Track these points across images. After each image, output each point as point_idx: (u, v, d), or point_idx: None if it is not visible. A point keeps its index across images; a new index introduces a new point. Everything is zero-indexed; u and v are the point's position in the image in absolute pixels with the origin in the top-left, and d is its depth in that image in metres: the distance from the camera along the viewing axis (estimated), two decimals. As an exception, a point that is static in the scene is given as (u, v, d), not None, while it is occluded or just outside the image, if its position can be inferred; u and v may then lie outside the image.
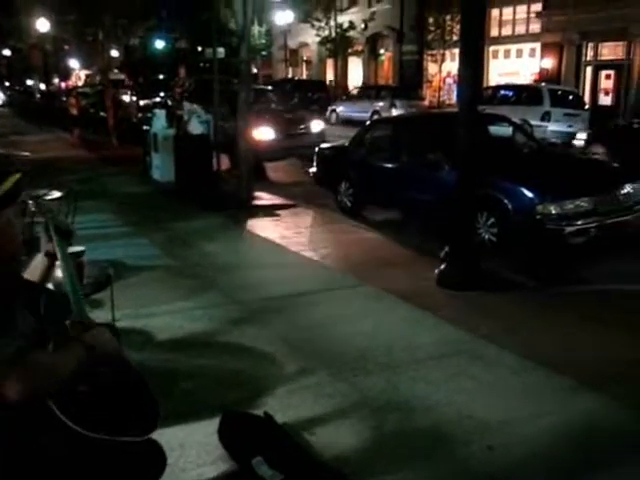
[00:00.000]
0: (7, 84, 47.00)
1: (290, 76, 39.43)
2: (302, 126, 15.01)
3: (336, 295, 6.06)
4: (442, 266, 6.30)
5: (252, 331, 5.14)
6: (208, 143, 11.37)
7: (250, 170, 10.55)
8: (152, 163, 12.58)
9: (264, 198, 10.60)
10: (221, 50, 12.35)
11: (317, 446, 3.54)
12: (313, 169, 11.00)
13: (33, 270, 2.47)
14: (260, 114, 12.84)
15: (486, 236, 7.57)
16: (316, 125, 15.37)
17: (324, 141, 14.51)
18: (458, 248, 6.25)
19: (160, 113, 12.72)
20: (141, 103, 22.34)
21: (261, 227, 8.87)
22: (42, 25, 29.12)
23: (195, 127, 11.51)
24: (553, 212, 7.15)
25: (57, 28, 27.94)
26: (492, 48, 28.60)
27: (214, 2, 11.33)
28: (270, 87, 21.62)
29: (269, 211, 9.73)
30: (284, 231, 8.58)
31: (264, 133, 13.55)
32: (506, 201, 7.35)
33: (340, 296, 6.04)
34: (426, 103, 26.87)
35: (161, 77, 31.83)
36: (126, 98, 23.92)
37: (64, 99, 28.79)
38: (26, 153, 11.06)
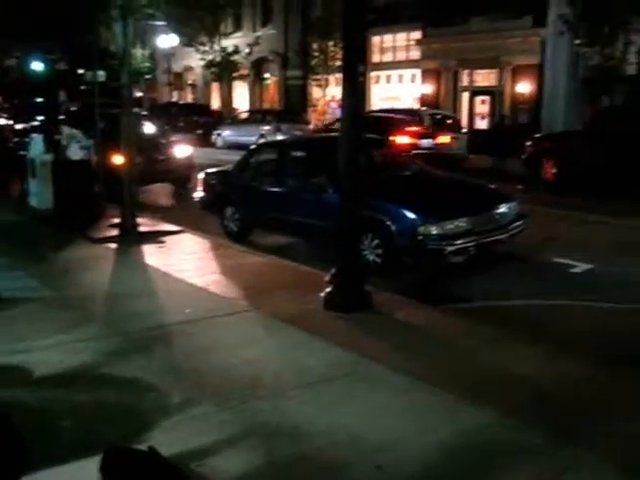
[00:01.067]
0: None
1: (175, 100, 39.01)
2: (167, 152, 14.81)
3: (223, 322, 5.99)
4: (328, 289, 6.36)
5: (136, 362, 4.98)
6: (88, 169, 11.02)
7: (133, 196, 10.28)
8: (29, 190, 12.04)
9: (148, 224, 10.36)
10: (101, 73, 12.00)
11: (207, 477, 3.46)
12: (199, 194, 10.87)
13: None
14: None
15: (371, 257, 7.73)
16: (182, 151, 15.20)
17: (192, 166, 14.51)
18: (344, 270, 6.33)
19: (38, 138, 12.20)
20: (18, 127, 21.35)
21: (145, 254, 8.66)
22: None
23: (75, 152, 11.12)
24: (434, 233, 7.41)
25: None
26: (374, 73, 29.42)
27: (94, 24, 11.03)
28: (144, 111, 21.29)
29: (154, 238, 9.51)
30: (169, 258, 8.42)
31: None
32: (389, 223, 7.54)
33: (227, 323, 5.97)
34: (311, 127, 27.22)
35: (39, 100, 30.63)
36: (1, 121, 22.82)
37: None
38: None
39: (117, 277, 7.61)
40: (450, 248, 7.42)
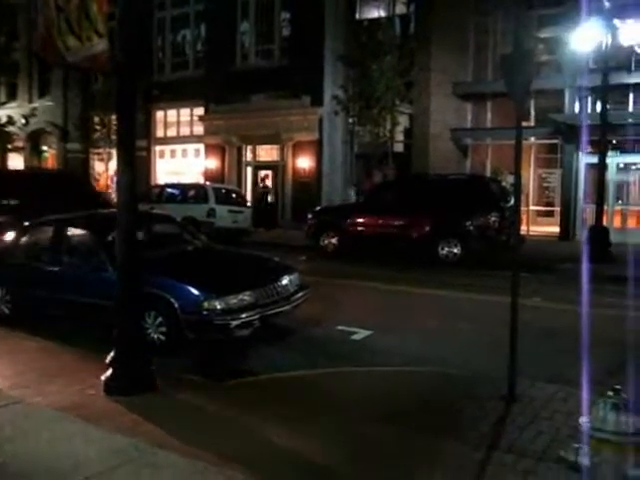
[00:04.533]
0: None
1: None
2: None
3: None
4: (109, 372, 6.05)
5: None
6: None
7: None
8: None
9: None
10: None
11: None
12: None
13: None
14: None
15: (155, 336, 7.52)
16: None
17: None
18: (124, 351, 6.08)
19: None
20: None
21: None
22: None
23: None
24: (218, 307, 7.39)
25: None
26: (158, 148, 29.37)
27: None
28: None
29: None
30: None
31: None
32: (172, 299, 7.42)
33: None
34: (95, 201, 26.29)
35: None
36: None
37: None
38: None
39: None
40: (235, 322, 7.44)
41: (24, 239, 9.52)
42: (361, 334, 8.66)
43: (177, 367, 6.86)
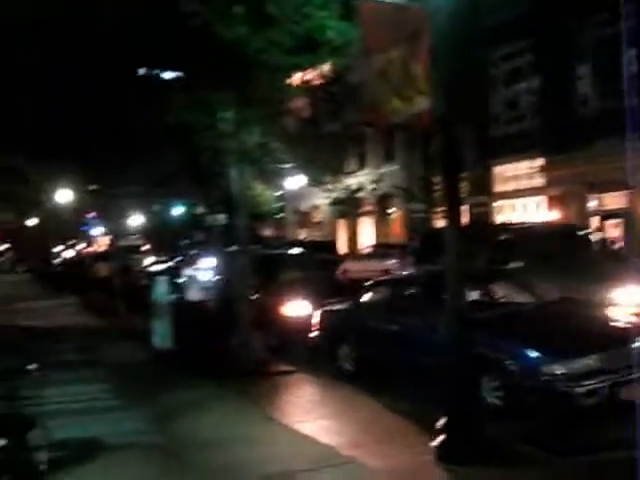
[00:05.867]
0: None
1: (302, 237, 40.09)
2: None
3: (321, 477, 5.50)
4: (440, 438, 5.79)
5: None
6: (207, 309, 11.20)
7: (253, 335, 10.26)
8: (153, 330, 12.37)
9: (268, 364, 10.16)
10: (222, 217, 12.49)
11: None
12: (314, 332, 10.66)
13: None
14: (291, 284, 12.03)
15: (490, 400, 7.07)
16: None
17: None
18: (458, 417, 5.77)
19: (161, 279, 12.67)
20: (152, 269, 22.50)
21: (255, 397, 8.39)
22: (62, 197, 30.55)
23: (194, 293, 11.40)
24: (559, 372, 6.69)
25: (78, 198, 29.20)
26: (498, 203, 29.11)
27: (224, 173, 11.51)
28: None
29: (266, 378, 9.30)
30: (278, 401, 8.17)
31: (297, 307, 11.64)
32: (507, 362, 6.93)
33: (325, 477, 5.49)
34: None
35: (180, 242, 32.34)
36: (144, 262, 24.19)
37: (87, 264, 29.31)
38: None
39: (222, 421, 7.36)
40: (579, 389, 6.66)
41: (366, 298, 9.86)
42: None
43: (514, 437, 6.32)
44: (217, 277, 11.42)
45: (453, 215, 5.85)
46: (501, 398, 7.03)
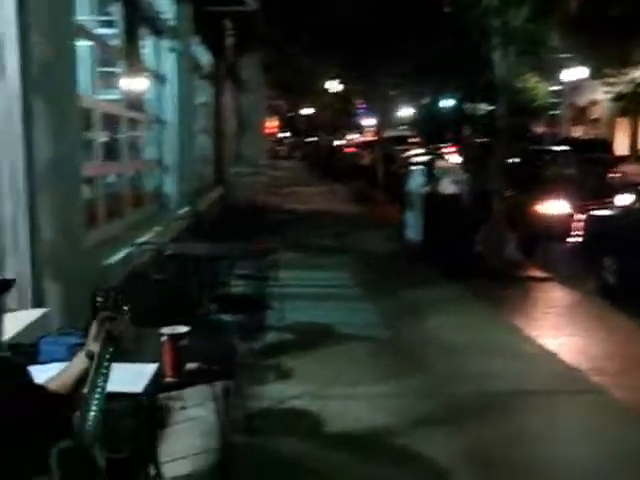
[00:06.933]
0: (306, 140, 50.64)
1: (577, 135, 36.90)
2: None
3: (558, 402, 4.82)
4: None
5: (437, 437, 4.19)
6: (460, 204, 10.57)
7: (505, 237, 9.56)
8: (406, 221, 12.10)
9: (519, 267, 9.41)
10: (481, 106, 11.57)
11: None
12: (576, 237, 9.60)
13: (70, 370, 1.97)
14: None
15: None
16: None
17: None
18: None
19: (417, 171, 12.21)
20: (413, 160, 22.13)
21: (501, 302, 7.74)
22: (332, 86, 31.25)
23: (446, 186, 10.80)
24: None
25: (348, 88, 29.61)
26: None
27: (479, 55, 10.58)
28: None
29: (518, 284, 8.58)
30: (526, 310, 7.43)
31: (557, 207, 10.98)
32: None
33: (563, 404, 4.79)
34: None
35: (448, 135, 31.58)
36: (409, 152, 23.94)
37: (351, 153, 29.94)
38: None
39: (461, 325, 6.85)
40: None
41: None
42: None
43: None
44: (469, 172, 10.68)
45: None
46: None
